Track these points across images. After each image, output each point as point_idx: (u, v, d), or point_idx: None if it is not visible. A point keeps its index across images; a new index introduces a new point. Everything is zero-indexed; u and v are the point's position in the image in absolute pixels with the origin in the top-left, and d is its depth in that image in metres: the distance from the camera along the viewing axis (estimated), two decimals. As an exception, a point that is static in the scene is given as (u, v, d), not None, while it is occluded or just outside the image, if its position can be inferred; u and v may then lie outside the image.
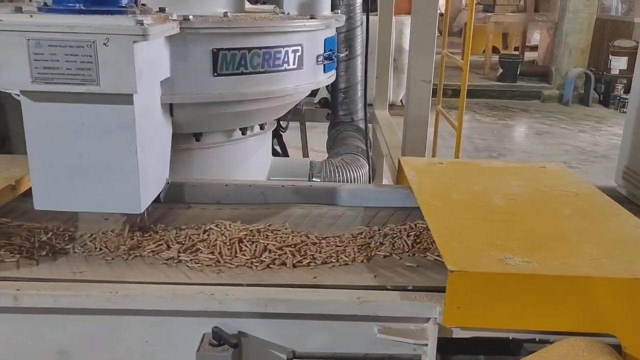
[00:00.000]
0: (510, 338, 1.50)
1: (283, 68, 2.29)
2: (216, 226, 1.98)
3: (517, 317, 1.44)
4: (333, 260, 1.78)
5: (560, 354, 1.42)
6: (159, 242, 1.89)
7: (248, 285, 1.62)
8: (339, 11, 2.89)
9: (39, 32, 1.66)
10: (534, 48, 14.92)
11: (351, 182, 2.92)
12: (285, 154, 3.84)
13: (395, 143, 4.99)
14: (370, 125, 4.20)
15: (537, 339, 1.49)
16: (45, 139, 1.80)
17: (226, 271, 1.72)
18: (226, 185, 2.33)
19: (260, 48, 2.18)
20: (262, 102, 2.31)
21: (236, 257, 1.79)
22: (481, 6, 13.59)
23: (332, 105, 3.70)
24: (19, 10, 1.77)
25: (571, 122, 10.06)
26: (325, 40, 2.49)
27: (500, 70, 12.41)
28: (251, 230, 1.95)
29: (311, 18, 2.35)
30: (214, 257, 1.79)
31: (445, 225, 1.70)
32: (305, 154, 5.31)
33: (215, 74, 2.12)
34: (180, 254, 1.80)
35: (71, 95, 1.73)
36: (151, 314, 1.53)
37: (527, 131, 9.66)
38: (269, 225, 2.00)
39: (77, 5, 1.76)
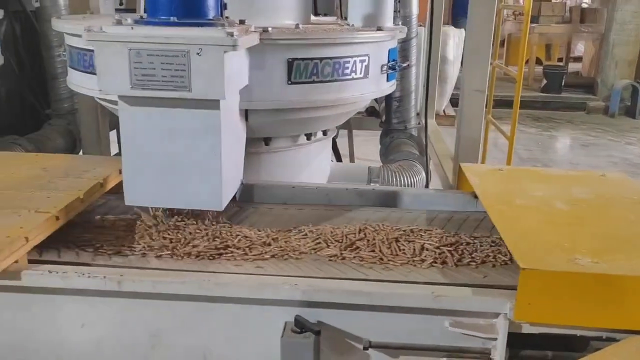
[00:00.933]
0: (578, 335, 1.57)
1: (351, 77, 2.41)
2: (370, 225, 2.08)
3: (585, 314, 1.52)
4: (492, 260, 1.85)
5: (627, 352, 1.49)
6: (317, 240, 1.99)
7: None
8: (399, 22, 3.01)
9: (139, 42, 1.82)
10: (578, 59, 14.73)
11: (408, 187, 3.01)
12: (338, 159, 3.96)
13: (444, 151, 5.07)
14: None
15: (604, 337, 1.56)
16: (138, 140, 1.97)
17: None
18: (293, 187, 2.46)
19: (331, 58, 2.31)
20: (330, 109, 2.44)
21: (397, 255, 1.88)
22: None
23: (385, 113, 3.81)
24: (119, 22, 1.94)
25: (618, 134, 9.92)
26: (389, 50, 2.61)
27: (544, 82, 12.31)
28: (404, 230, 2.04)
29: (378, 30, 2.47)
30: (375, 255, 1.87)
31: (513, 227, 1.79)
32: (352, 160, 5.43)
33: (290, 82, 2.26)
34: (342, 252, 1.90)
35: (164, 100, 1.89)
36: (239, 301, 1.66)
37: (572, 143, 9.57)
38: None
39: (172, 18, 1.92)
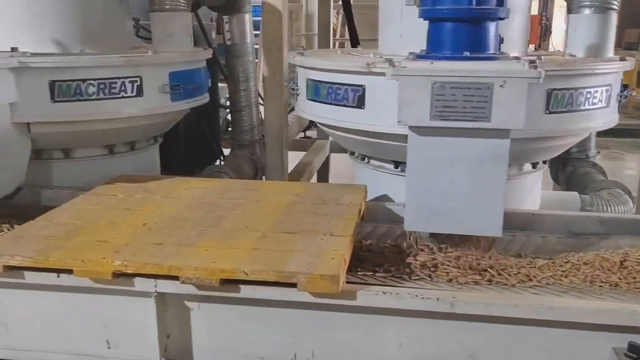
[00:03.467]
0: None
1: (596, 106, 2.45)
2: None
3: None
4: None
5: None
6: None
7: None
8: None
9: (443, 76, 1.93)
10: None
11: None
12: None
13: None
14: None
15: None
16: (424, 168, 2.07)
17: None
18: (532, 215, 2.50)
19: (584, 88, 2.37)
20: (575, 137, 2.48)
21: None
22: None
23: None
24: (416, 57, 2.07)
25: None
26: (621, 80, 2.63)
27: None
28: None
29: (621, 60, 2.51)
30: None
31: None
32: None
33: (547, 112, 2.32)
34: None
35: (459, 130, 1.98)
36: (566, 326, 1.70)
37: None
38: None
39: (465, 53, 2.03)
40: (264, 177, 4.16)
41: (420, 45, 2.63)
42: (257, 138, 4.20)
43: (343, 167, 5.46)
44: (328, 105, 2.61)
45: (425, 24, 2.61)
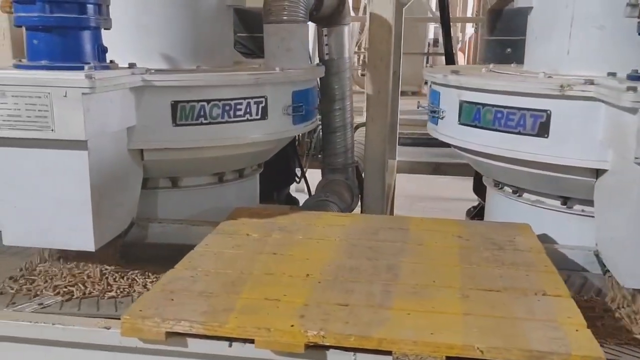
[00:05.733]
0: None
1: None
2: None
3: None
4: None
5: None
6: None
7: None
8: None
9: None
10: None
11: None
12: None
13: None
14: None
15: None
16: None
17: None
18: None
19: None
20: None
21: None
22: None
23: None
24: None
25: None
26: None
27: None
28: None
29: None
30: None
31: None
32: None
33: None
34: None
35: None
36: None
37: None
38: None
39: None
40: (359, 204, 3.83)
41: (592, 63, 2.32)
42: (351, 161, 3.85)
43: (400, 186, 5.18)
44: (494, 132, 2.25)
45: (601, 38, 2.30)
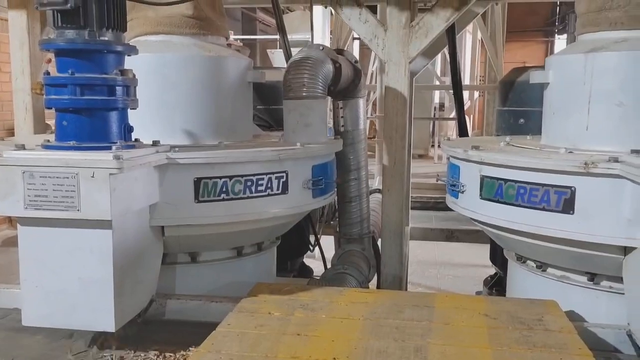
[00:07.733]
0: None
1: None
2: None
3: None
4: None
5: None
6: None
7: None
8: None
9: None
10: None
11: None
12: None
13: None
14: None
15: None
16: None
17: None
18: None
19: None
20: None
21: None
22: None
23: None
24: None
25: None
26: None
27: None
28: None
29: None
30: None
31: None
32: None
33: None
34: None
35: None
36: None
37: None
38: None
39: None
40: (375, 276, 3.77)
41: (612, 139, 2.33)
42: (367, 231, 3.83)
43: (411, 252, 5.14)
44: (517, 207, 2.24)
45: (619, 114, 2.32)
